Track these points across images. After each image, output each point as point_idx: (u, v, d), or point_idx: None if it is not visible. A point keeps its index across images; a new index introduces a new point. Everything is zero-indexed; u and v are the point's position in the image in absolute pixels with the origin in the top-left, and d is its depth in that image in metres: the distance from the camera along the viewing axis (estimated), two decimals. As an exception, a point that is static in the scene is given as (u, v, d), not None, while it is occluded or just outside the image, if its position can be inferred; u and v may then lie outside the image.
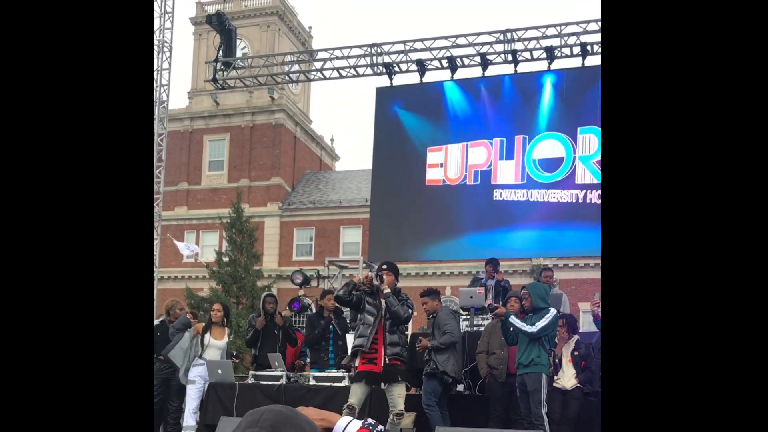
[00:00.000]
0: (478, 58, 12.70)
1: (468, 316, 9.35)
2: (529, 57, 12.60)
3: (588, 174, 11.80)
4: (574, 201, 11.76)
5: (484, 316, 9.30)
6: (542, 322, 7.24)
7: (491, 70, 12.79)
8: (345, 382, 8.13)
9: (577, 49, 12.24)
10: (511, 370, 7.70)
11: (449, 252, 13.05)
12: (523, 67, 12.69)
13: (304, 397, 8.09)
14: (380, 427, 1.83)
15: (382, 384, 7.24)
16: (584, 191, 11.77)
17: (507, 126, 12.40)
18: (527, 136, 12.20)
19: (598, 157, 11.70)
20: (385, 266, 7.53)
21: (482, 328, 8.70)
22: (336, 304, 9.23)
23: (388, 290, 7.33)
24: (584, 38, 12.16)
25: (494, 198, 12.18)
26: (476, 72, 12.85)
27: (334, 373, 8.54)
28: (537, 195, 11.98)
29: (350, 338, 8.64)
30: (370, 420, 1.86)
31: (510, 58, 12.55)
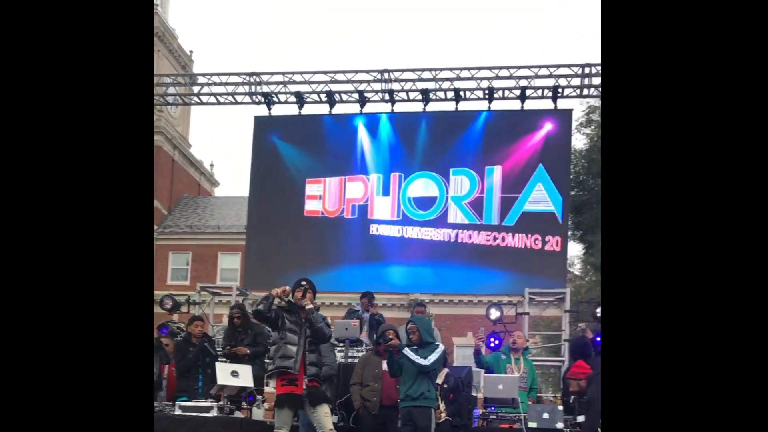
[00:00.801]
0: (356, 95, 13.13)
1: (343, 348, 9.55)
2: (405, 98, 13.17)
3: (459, 214, 12.47)
4: (446, 240, 12.37)
5: (359, 348, 9.55)
6: (434, 356, 7.21)
7: (369, 108, 13.24)
8: (214, 412, 7.98)
9: (450, 94, 12.91)
10: (383, 402, 7.88)
11: (325, 283, 13.22)
12: (399, 107, 13.23)
13: (168, 429, 7.72)
14: None
15: (308, 406, 6.91)
16: (456, 231, 12.40)
17: (383, 163, 12.87)
18: (403, 174, 12.72)
19: (470, 198, 12.44)
20: (304, 282, 7.22)
21: (356, 360, 8.90)
22: (204, 331, 9.12)
23: (311, 305, 7.03)
24: (458, 84, 12.86)
25: (371, 233, 12.59)
26: (354, 108, 13.28)
27: (202, 403, 8.32)
28: (411, 232, 12.49)
29: (219, 366, 8.44)
30: None
31: (387, 97, 13.05)
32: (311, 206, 13.06)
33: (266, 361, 7.30)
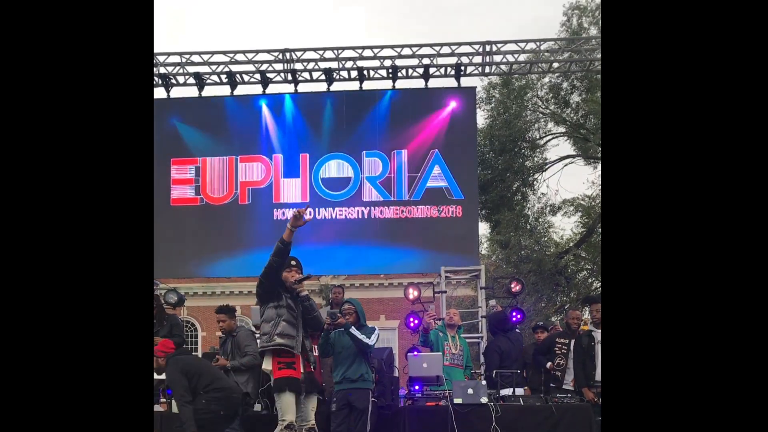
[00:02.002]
0: (258, 76, 12.76)
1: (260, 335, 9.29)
2: (308, 78, 12.90)
3: (374, 193, 12.42)
4: (360, 217, 12.29)
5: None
6: (374, 337, 7.23)
7: (272, 89, 12.91)
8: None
9: (354, 73, 12.76)
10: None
11: (236, 269, 12.88)
12: (303, 87, 12.95)
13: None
14: None
15: (302, 393, 6.57)
16: (369, 208, 12.35)
17: (289, 144, 12.58)
18: (310, 155, 12.48)
19: (382, 178, 12.41)
20: (294, 261, 6.83)
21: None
22: None
23: (306, 292, 6.73)
24: (361, 63, 12.71)
25: (275, 218, 12.29)
26: (257, 89, 12.90)
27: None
28: (324, 213, 12.29)
29: None
30: None
31: (290, 77, 12.75)
32: (181, 193, 12.61)
33: (262, 336, 6.64)
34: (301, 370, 6.49)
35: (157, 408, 7.70)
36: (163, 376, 7.64)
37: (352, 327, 7.22)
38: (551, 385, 8.65)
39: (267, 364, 6.55)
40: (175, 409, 7.76)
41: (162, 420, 7.44)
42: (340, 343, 7.23)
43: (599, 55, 14.11)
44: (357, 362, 7.19)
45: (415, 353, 8.52)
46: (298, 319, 6.55)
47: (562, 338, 8.88)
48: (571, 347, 8.69)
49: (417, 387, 8.08)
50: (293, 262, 6.71)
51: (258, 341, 8.30)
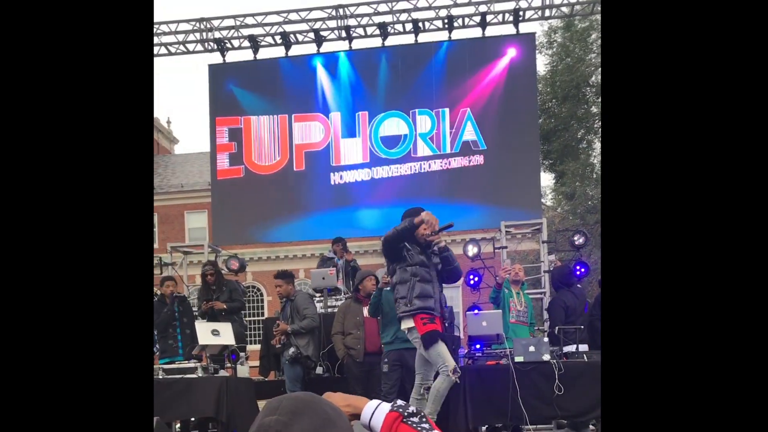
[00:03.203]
0: (312, 35, 12.65)
1: (321, 298, 9.37)
2: (362, 33, 12.71)
3: (426, 149, 12.28)
4: (414, 172, 12.18)
5: (337, 297, 9.38)
6: None
7: (326, 47, 12.79)
8: (199, 373, 7.83)
9: (409, 26, 12.49)
10: (368, 348, 7.80)
11: (296, 233, 12.99)
12: (357, 44, 12.80)
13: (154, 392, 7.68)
14: (411, 408, 1.70)
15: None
16: (419, 162, 12.23)
17: (346, 103, 12.48)
18: (368, 113, 12.36)
19: (432, 133, 12.24)
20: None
21: (336, 309, 8.75)
22: (177, 291, 8.85)
23: (444, 242, 6.45)
24: (415, 15, 12.43)
25: (332, 182, 12.28)
26: (311, 49, 12.80)
27: (185, 364, 8.19)
28: (381, 172, 12.20)
29: (199, 325, 8.23)
30: (399, 402, 1.74)
31: (344, 34, 12.59)
32: (222, 164, 12.53)
33: (400, 299, 6.34)
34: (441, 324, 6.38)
35: (223, 373, 7.87)
36: (225, 341, 7.80)
37: None
38: None
39: (408, 324, 6.36)
40: (240, 373, 7.93)
41: (228, 384, 7.59)
42: (389, 303, 7.17)
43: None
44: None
45: (476, 312, 8.41)
46: (432, 275, 6.30)
47: None
48: None
49: (478, 346, 7.98)
50: (423, 213, 6.47)
51: (314, 304, 8.37)
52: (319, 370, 8.16)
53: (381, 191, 12.23)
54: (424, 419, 1.65)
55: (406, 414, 1.66)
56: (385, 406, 1.71)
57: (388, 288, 7.15)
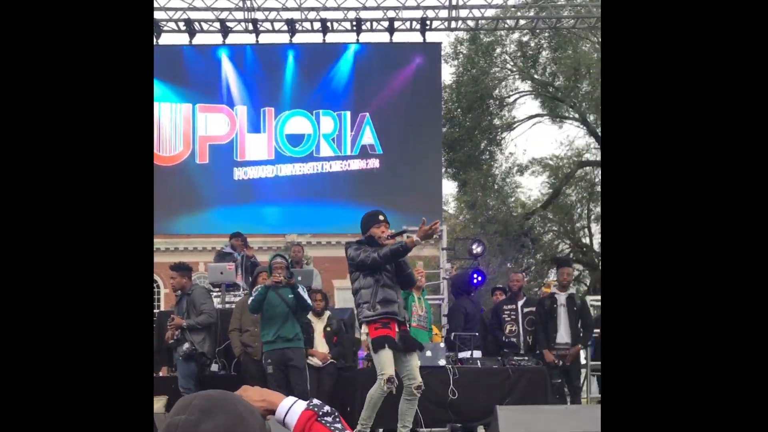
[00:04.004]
0: (217, 25, 12.33)
1: (219, 293, 9.11)
2: (270, 28, 12.50)
3: (329, 149, 12.22)
4: (317, 172, 12.10)
5: (236, 293, 9.15)
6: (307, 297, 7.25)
7: (232, 38, 12.48)
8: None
9: (317, 25, 12.38)
10: None
11: (197, 226, 12.64)
12: (264, 38, 12.55)
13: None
14: (327, 407, 1.71)
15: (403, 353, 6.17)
16: (321, 163, 12.14)
17: (251, 97, 12.23)
18: (274, 110, 12.16)
19: (334, 135, 12.21)
20: (382, 216, 6.31)
21: (233, 305, 8.53)
22: None
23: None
24: (324, 14, 12.35)
25: (235, 178, 12.01)
26: (216, 39, 12.47)
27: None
28: (285, 170, 12.03)
29: None
30: (315, 401, 1.73)
31: (251, 27, 12.34)
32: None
33: (363, 304, 6.19)
34: (396, 330, 6.16)
35: None
36: None
37: (301, 286, 7.16)
38: (504, 350, 8.58)
39: (363, 328, 6.27)
40: None
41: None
42: (275, 302, 7.15)
43: (566, 13, 13.93)
44: (291, 321, 7.13)
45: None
46: (394, 279, 6.18)
47: (507, 305, 8.81)
48: (519, 311, 8.64)
49: (365, 353, 7.99)
50: (381, 217, 6.30)
51: (211, 299, 8.12)
52: (214, 367, 7.92)
53: (285, 189, 12.05)
54: (337, 419, 1.66)
55: (320, 413, 1.67)
56: (301, 404, 1.71)
57: (285, 286, 7.09)
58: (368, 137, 12.19)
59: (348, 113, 12.24)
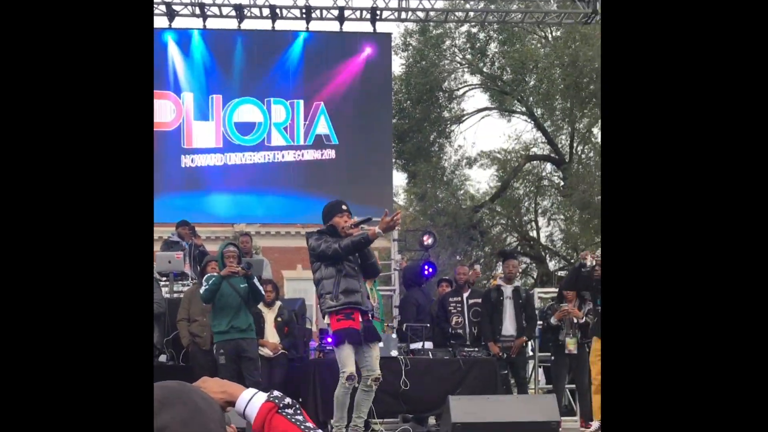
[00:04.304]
0: (163, 7, 12.00)
1: (167, 282, 8.90)
2: (218, 13, 12.23)
3: (281, 139, 12.04)
4: (268, 161, 11.93)
5: (184, 282, 8.97)
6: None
7: (178, 22, 12.20)
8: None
9: (266, 11, 12.19)
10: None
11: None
12: (212, 23, 12.31)
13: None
14: (287, 399, 1.67)
15: (363, 344, 6.06)
16: (273, 152, 11.98)
17: (198, 84, 11.97)
18: (222, 97, 11.92)
19: (287, 124, 12.04)
20: (345, 206, 6.24)
21: (182, 294, 8.35)
22: None
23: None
24: (273, 1, 12.14)
25: (183, 165, 11.75)
26: (162, 22, 12.15)
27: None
28: (235, 158, 11.82)
29: None
30: (276, 392, 1.69)
31: (198, 11, 12.06)
32: None
33: (325, 294, 6.08)
34: (360, 320, 6.04)
35: None
36: None
37: (256, 277, 7.15)
38: (451, 341, 8.61)
39: (326, 319, 6.21)
40: None
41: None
42: (228, 292, 7.06)
43: (515, 6, 14.03)
44: (244, 312, 7.06)
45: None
46: (357, 269, 6.10)
47: (453, 297, 8.83)
48: (465, 303, 8.67)
49: (330, 339, 7.89)
50: (344, 207, 6.23)
51: (160, 288, 7.95)
52: (162, 357, 7.76)
53: (234, 178, 11.85)
54: (298, 411, 1.65)
55: (281, 405, 1.65)
56: (262, 396, 1.68)
57: (239, 275, 6.95)
58: (323, 127, 12.06)
59: (301, 102, 12.11)
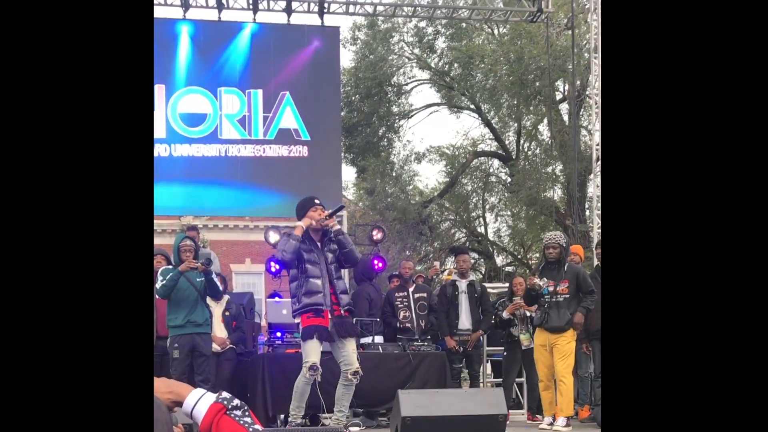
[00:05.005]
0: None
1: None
2: (161, 2, 11.95)
3: (233, 131, 11.81)
4: (218, 155, 11.71)
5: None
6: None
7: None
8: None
9: (212, 2, 11.98)
10: (159, 332, 7.27)
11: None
12: (156, 12, 11.98)
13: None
14: (236, 401, 1.67)
15: (336, 339, 6.07)
16: (227, 146, 11.78)
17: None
18: (165, 86, 11.64)
19: (241, 115, 11.83)
20: (317, 200, 6.26)
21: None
22: None
23: (338, 226, 6.24)
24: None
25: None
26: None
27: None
28: (181, 149, 11.57)
29: None
30: (225, 394, 1.69)
31: (144, 1, 11.76)
32: None
33: (292, 298, 6.26)
34: (330, 317, 6.02)
35: None
36: None
37: (213, 272, 7.03)
38: (399, 336, 8.57)
39: (297, 319, 6.15)
40: None
41: None
42: (178, 285, 6.90)
43: (462, 2, 14.07)
44: (200, 306, 6.94)
45: (276, 299, 8.18)
46: (321, 266, 6.09)
47: (399, 292, 8.83)
48: (411, 297, 8.68)
49: (279, 334, 7.76)
50: (317, 201, 6.23)
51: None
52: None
53: (179, 169, 11.59)
54: (246, 413, 1.66)
55: (230, 407, 1.66)
56: (210, 397, 1.69)
57: (199, 271, 6.88)
58: (289, 120, 11.97)
59: (259, 92, 11.97)
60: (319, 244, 6.16)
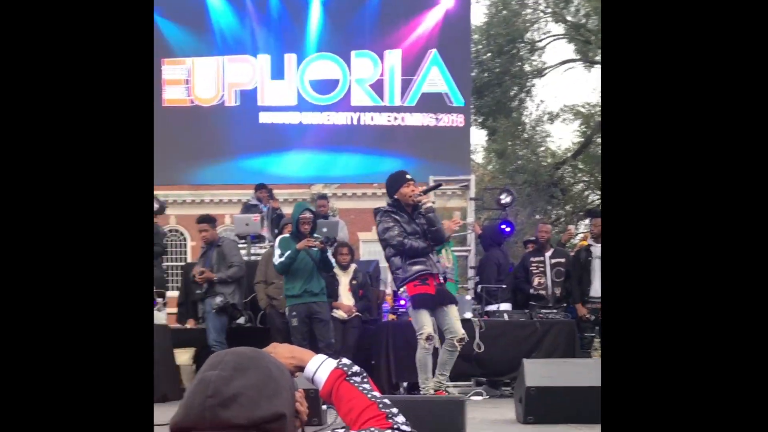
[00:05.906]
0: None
1: (245, 244, 9.07)
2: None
3: (363, 96, 11.82)
4: (349, 123, 11.76)
5: (261, 245, 9.11)
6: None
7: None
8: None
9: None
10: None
11: (223, 176, 12.54)
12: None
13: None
14: (356, 367, 1.72)
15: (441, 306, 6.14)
16: (358, 113, 11.78)
17: (275, 43, 11.94)
18: (297, 55, 11.86)
19: (373, 80, 11.77)
20: (409, 175, 6.25)
21: (259, 257, 8.49)
22: None
23: (430, 204, 6.26)
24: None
25: (260, 121, 11.81)
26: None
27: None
28: (311, 118, 11.79)
29: None
30: (345, 360, 1.75)
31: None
32: (174, 94, 11.80)
33: (396, 270, 6.19)
34: (434, 284, 6.12)
35: None
36: None
37: (329, 250, 7.22)
38: (532, 303, 8.43)
39: (403, 290, 6.26)
40: (157, 319, 7.64)
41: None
42: (303, 259, 7.14)
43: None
44: (316, 276, 7.15)
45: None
46: (420, 236, 6.13)
47: (535, 257, 8.62)
48: (548, 263, 8.46)
49: (402, 302, 7.91)
50: (408, 176, 6.23)
51: (239, 252, 8.09)
52: (241, 319, 7.94)
53: (309, 137, 11.80)
54: (365, 379, 1.68)
55: (349, 373, 1.69)
56: (331, 363, 1.73)
57: (316, 248, 7.05)
58: (433, 83, 11.64)
59: (398, 51, 11.69)
60: (409, 216, 6.15)
